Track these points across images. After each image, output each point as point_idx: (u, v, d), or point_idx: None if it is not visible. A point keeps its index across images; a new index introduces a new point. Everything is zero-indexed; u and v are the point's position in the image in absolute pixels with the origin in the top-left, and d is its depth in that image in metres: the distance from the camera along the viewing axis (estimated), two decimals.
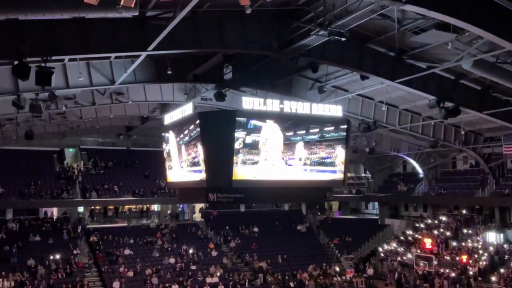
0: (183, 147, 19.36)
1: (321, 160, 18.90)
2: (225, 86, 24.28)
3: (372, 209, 51.37)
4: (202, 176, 17.63)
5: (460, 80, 23.82)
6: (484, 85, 24.29)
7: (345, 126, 19.24)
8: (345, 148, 19.24)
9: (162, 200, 41.20)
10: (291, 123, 18.23)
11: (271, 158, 17.82)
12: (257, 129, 17.45)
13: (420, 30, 18.73)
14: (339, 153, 19.09)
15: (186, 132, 18.86)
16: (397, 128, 30.87)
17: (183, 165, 19.63)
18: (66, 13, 15.37)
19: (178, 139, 19.85)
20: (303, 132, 18.45)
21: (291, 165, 18.26)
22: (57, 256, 31.64)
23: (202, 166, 17.43)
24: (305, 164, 18.54)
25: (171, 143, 20.72)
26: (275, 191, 18.79)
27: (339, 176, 19.42)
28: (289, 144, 18.12)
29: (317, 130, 18.73)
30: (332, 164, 19.08)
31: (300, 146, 18.36)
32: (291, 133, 18.22)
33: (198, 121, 17.42)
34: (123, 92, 26.50)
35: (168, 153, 21.32)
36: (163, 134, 21.79)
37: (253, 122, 17.39)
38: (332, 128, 19.02)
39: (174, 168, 20.93)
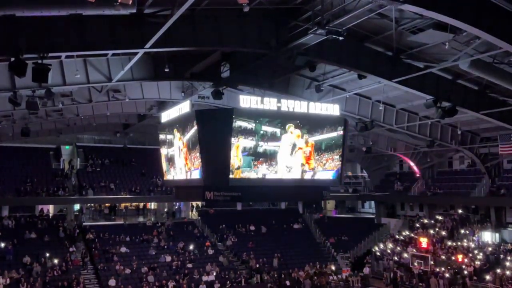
0: (182, 145, 19.32)
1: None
2: (223, 85, 24.23)
3: (368, 208, 51.47)
4: (199, 174, 17.61)
5: (457, 80, 23.84)
6: (481, 85, 24.32)
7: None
8: (342, 147, 19.25)
9: (159, 198, 41.20)
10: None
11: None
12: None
13: (418, 30, 18.72)
14: None
15: (184, 131, 18.82)
16: (394, 127, 30.90)
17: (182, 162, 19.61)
18: (63, 10, 15.34)
19: (178, 138, 19.81)
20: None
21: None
22: (53, 254, 31.57)
23: (199, 165, 17.40)
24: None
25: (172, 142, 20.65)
26: (272, 190, 18.78)
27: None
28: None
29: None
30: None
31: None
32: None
33: (195, 120, 17.39)
34: (120, 90, 26.43)
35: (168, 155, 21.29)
36: (160, 132, 21.74)
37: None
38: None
39: (173, 166, 20.90)
